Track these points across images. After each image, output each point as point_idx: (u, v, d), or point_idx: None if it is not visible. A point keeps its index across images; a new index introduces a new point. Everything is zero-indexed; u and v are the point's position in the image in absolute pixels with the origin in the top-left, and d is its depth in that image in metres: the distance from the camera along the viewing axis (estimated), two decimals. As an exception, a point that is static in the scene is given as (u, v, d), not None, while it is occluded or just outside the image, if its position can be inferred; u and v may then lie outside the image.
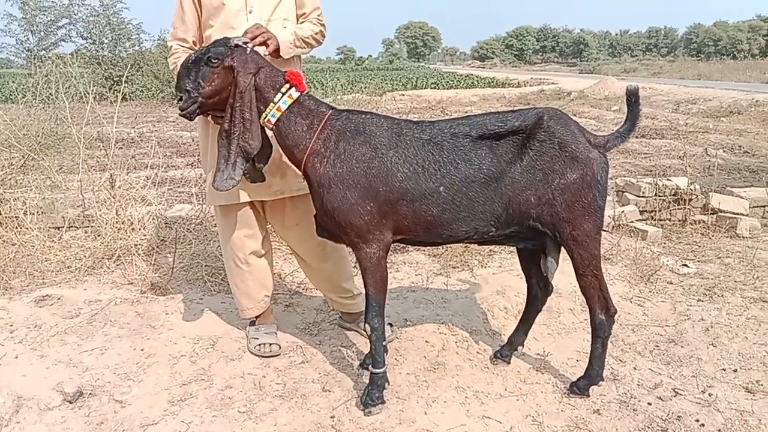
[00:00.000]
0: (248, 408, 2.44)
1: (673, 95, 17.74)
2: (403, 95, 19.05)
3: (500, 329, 3.07)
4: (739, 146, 10.01)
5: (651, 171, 6.79)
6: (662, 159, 8.76)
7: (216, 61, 2.23)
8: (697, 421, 2.40)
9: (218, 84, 2.25)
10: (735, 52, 39.30)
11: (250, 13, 2.57)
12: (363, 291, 2.57)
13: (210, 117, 2.49)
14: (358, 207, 2.22)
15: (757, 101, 14.50)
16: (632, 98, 2.30)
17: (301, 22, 2.71)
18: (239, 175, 2.27)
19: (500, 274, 3.65)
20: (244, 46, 2.29)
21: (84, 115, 4.51)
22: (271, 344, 2.80)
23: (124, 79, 10.56)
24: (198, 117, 2.42)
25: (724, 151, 9.61)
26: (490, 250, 4.01)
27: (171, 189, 5.63)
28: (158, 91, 16.20)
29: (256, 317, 2.91)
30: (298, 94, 2.33)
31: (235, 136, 2.25)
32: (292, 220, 2.77)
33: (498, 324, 3.13)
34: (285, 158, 2.50)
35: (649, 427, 2.38)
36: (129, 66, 15.87)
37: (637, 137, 11.24)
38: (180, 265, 3.64)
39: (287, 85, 2.31)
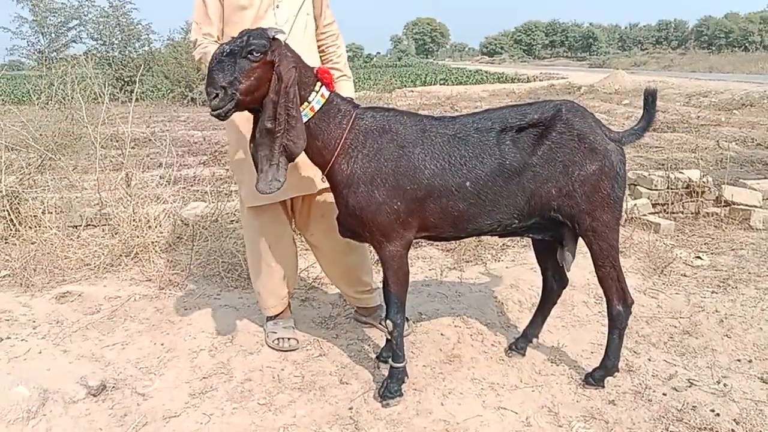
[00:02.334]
0: (267, 400, 2.48)
1: (684, 88, 17.61)
2: (413, 91, 19.07)
3: (515, 322, 3.10)
4: (752, 139, 9.95)
5: (663, 164, 6.78)
6: (674, 152, 8.72)
7: (258, 54, 2.06)
8: (713, 411, 2.41)
9: (258, 79, 2.08)
10: (746, 44, 38.91)
11: (277, 8, 2.58)
12: (380, 286, 2.61)
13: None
14: (385, 206, 2.22)
15: (769, 93, 14.38)
16: (650, 98, 2.33)
17: (321, 41, 2.75)
18: (283, 176, 2.16)
19: (513, 268, 3.68)
20: (282, 37, 2.15)
21: (99, 116, 4.57)
22: (289, 339, 2.84)
23: (137, 79, 10.61)
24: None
25: (736, 144, 9.56)
26: (504, 244, 4.04)
27: (185, 187, 5.69)
28: (168, 91, 16.29)
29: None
30: (329, 92, 2.28)
31: (279, 134, 2.12)
32: (318, 212, 2.80)
33: (512, 317, 3.15)
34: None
35: (664, 417, 2.40)
36: (140, 67, 15.95)
37: (648, 131, 11.20)
38: (197, 262, 3.69)
39: (319, 83, 2.26)
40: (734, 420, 2.35)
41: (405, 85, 21.68)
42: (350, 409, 2.44)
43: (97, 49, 19.70)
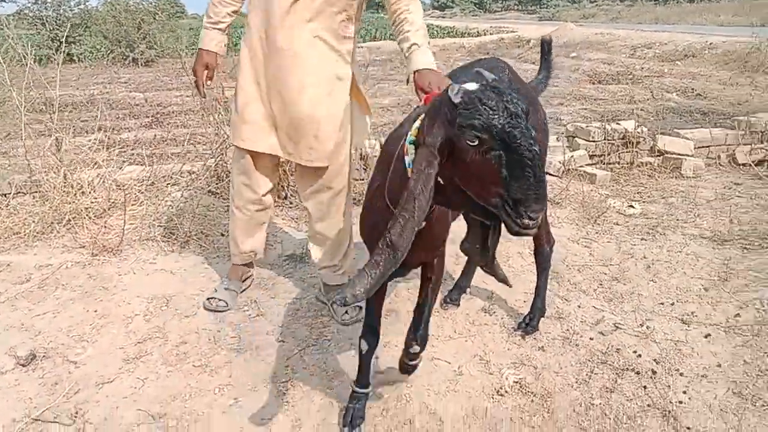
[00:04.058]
0: (203, 362, 2.48)
1: (630, 40, 17.77)
2: (361, 47, 18.77)
3: (451, 274, 3.15)
4: (692, 89, 10.18)
5: (604, 116, 6.91)
6: (617, 104, 8.88)
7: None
8: (635, 352, 2.53)
9: None
10: (691, -6, 39.45)
11: None
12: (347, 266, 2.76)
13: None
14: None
15: (711, 44, 14.62)
16: (545, 47, 2.35)
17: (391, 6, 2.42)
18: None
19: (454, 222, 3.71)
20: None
21: (24, 78, 4.36)
22: (219, 300, 2.82)
23: (69, 39, 10.14)
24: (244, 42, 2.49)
25: (677, 95, 9.78)
26: (444, 200, 4.07)
27: (124, 151, 5.52)
28: (108, 52, 15.64)
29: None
30: None
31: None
32: (308, 182, 2.70)
33: (449, 270, 3.20)
34: (302, 126, 2.47)
35: (589, 361, 2.50)
36: (73, 26, 15.22)
37: (593, 83, 11.35)
38: (132, 227, 3.61)
39: None
40: (654, 360, 2.47)
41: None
42: (287, 366, 2.46)
43: (29, 8, 18.69)
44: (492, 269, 1.70)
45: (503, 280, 1.75)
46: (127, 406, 2.24)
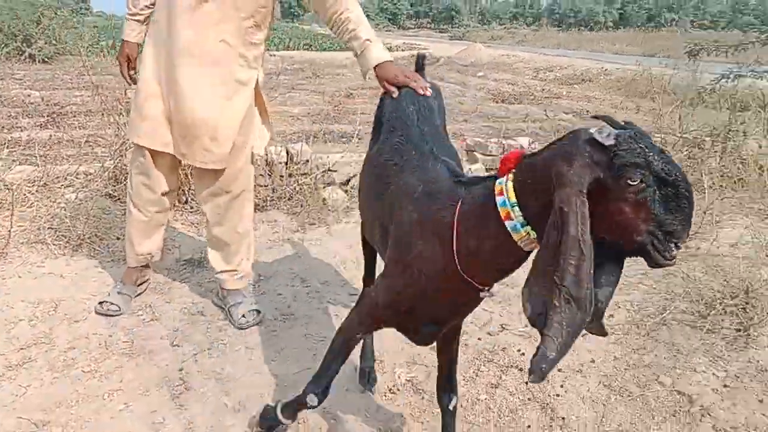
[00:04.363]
0: (93, 367, 2.42)
1: (533, 63, 18.70)
2: (274, 55, 18.66)
3: (351, 279, 3.22)
4: (586, 111, 10.86)
5: (505, 133, 7.25)
6: (518, 123, 9.31)
7: None
8: (519, 351, 2.69)
9: None
10: (592, 24, 41.88)
11: None
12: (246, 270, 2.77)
13: None
14: None
15: (606, 70, 15.64)
16: (420, 62, 2.34)
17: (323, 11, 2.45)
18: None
19: (355, 229, 3.79)
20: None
21: None
22: (111, 303, 2.76)
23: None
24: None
25: (572, 115, 10.41)
26: (347, 206, 4.15)
27: (14, 151, 5.25)
28: (2, 46, 14.73)
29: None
30: None
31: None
32: (204, 185, 2.70)
33: (349, 275, 3.28)
34: (195, 128, 2.46)
35: (477, 359, 2.64)
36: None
37: (497, 102, 11.88)
38: (20, 229, 3.45)
39: None
40: (533, 351, 2.64)
41: (267, 49, 21.11)
42: (180, 370, 2.44)
43: None
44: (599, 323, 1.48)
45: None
46: (7, 414, 2.15)
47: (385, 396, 2.40)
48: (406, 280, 1.67)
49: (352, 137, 5.11)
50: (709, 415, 2.36)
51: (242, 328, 2.72)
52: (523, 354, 2.66)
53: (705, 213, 3.75)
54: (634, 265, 3.22)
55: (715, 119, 5.46)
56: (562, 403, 2.41)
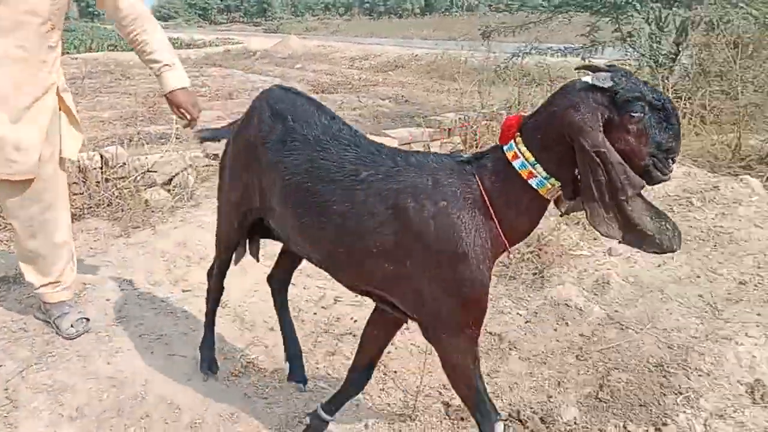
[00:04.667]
0: None
1: (349, 52, 19.23)
2: (76, 59, 17.31)
3: (182, 276, 3.23)
4: (402, 96, 11.46)
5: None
6: (340, 111, 9.61)
7: None
8: (352, 319, 2.92)
9: None
10: (401, 11, 43.70)
11: None
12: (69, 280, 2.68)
13: None
14: None
15: (416, 55, 16.52)
16: None
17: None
18: None
19: (182, 227, 3.78)
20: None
21: None
22: None
23: None
24: None
25: (389, 101, 10.95)
26: (173, 206, 4.10)
27: None
28: None
29: None
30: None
31: None
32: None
33: (180, 273, 3.28)
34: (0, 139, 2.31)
35: (314, 332, 2.82)
36: None
37: (317, 93, 12.09)
38: None
39: None
40: (364, 317, 2.87)
41: (67, 51, 19.50)
42: (6, 389, 2.33)
43: None
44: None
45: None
46: None
47: (228, 380, 2.49)
48: (474, 273, 1.64)
49: (170, 137, 5.01)
50: (515, 348, 2.75)
51: (71, 338, 2.63)
52: (356, 321, 2.88)
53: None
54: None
55: (510, 94, 6.12)
56: (393, 358, 2.67)
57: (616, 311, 2.93)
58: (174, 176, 4.33)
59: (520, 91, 5.58)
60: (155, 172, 4.29)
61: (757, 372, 2.45)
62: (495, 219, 1.62)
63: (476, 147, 4.96)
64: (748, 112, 4.67)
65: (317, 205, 1.77)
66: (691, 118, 4.96)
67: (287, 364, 2.43)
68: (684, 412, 2.35)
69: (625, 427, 2.27)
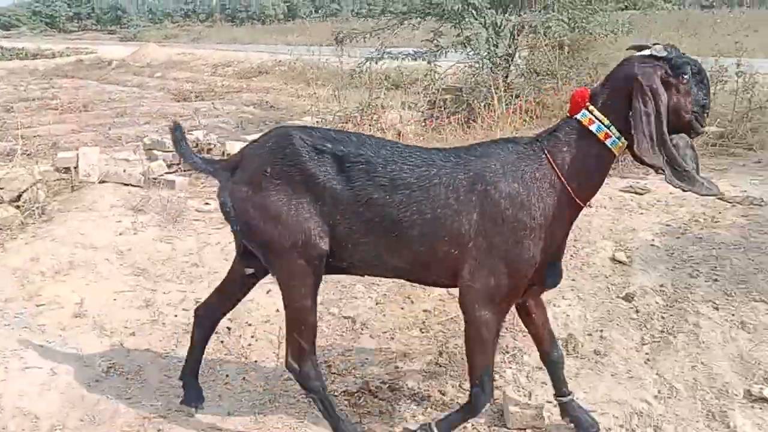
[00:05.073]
0: None
1: (211, 59, 18.87)
2: None
3: (36, 291, 3.20)
4: (266, 101, 11.53)
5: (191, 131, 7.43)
6: (204, 119, 9.48)
7: None
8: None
9: None
10: (264, 17, 43.25)
11: None
12: None
13: None
14: None
15: (280, 61, 16.56)
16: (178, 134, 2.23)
17: None
18: None
19: (34, 243, 3.70)
20: None
21: None
22: None
23: None
24: None
25: (254, 107, 10.97)
26: (22, 221, 3.98)
27: None
28: None
29: None
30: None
31: None
32: None
33: (34, 288, 3.24)
34: None
35: (176, 333, 2.94)
36: None
37: (179, 101, 11.86)
38: None
39: None
40: (229, 319, 3.01)
41: None
42: None
43: None
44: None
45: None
46: None
47: (90, 386, 2.55)
48: (538, 240, 1.95)
49: (16, 152, 4.83)
50: (367, 327, 3.02)
51: None
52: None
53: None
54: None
55: (363, 97, 6.44)
56: (253, 350, 2.85)
57: (454, 287, 3.28)
58: (23, 192, 4.20)
59: (370, 94, 5.90)
60: (2, 188, 4.14)
61: (570, 328, 2.89)
62: (568, 187, 1.93)
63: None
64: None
65: (399, 212, 1.96)
66: (522, 113, 5.51)
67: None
68: (510, 367, 2.74)
69: (461, 386, 2.60)
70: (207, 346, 2.51)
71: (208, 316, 2.42)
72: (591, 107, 1.94)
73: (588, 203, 2.08)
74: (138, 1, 46.06)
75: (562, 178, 1.93)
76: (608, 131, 1.92)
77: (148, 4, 46.21)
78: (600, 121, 1.92)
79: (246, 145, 2.23)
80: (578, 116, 1.96)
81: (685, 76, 1.90)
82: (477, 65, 6.42)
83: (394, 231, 1.98)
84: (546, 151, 1.95)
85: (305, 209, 2.01)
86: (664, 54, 1.91)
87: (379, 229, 1.99)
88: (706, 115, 1.98)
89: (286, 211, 2.01)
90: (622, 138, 1.93)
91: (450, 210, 1.94)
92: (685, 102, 1.92)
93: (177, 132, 2.20)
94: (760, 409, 2.38)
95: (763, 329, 2.77)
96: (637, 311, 2.97)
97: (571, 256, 3.50)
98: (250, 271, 2.27)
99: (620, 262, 3.37)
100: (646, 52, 1.95)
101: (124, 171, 4.77)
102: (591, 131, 1.93)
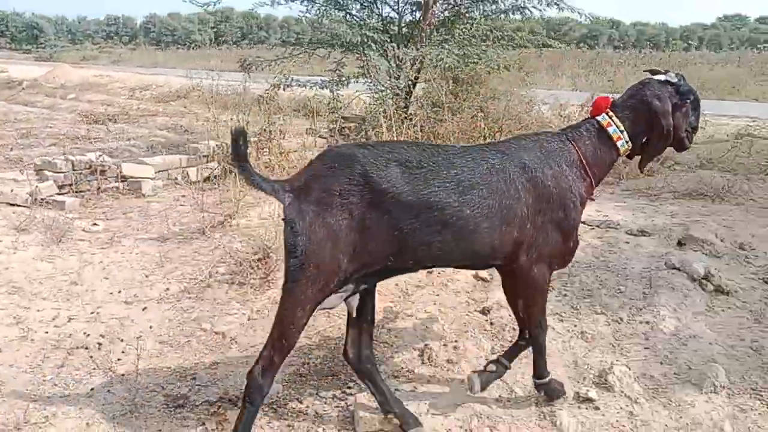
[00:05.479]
0: None
1: (129, 82, 18.55)
2: None
3: None
4: (181, 125, 11.47)
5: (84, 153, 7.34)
6: (113, 142, 9.33)
7: None
8: (85, 333, 3.09)
9: None
10: (189, 42, 42.83)
11: None
12: None
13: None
14: None
15: (199, 86, 16.51)
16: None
17: None
18: None
19: None
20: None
21: None
22: None
23: None
24: None
25: (168, 131, 10.89)
26: None
27: None
28: None
29: None
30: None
31: None
32: None
33: None
34: None
35: (44, 349, 2.97)
36: None
37: (90, 123, 11.60)
38: None
39: None
40: (101, 335, 3.08)
41: None
42: None
43: None
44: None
45: None
46: None
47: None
48: (578, 209, 2.37)
49: None
50: (236, 342, 3.13)
51: None
52: (89, 335, 3.08)
53: (239, 200, 4.60)
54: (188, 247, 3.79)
55: (267, 122, 6.58)
56: (122, 363, 2.91)
57: (326, 303, 3.45)
58: None
59: (268, 119, 6.08)
60: None
61: (427, 338, 3.10)
62: (589, 174, 2.37)
63: (229, 172, 5.25)
64: (457, 134, 5.62)
65: (471, 210, 2.18)
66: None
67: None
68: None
69: (317, 394, 2.75)
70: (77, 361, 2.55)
71: (356, 354, 2.48)
72: (611, 113, 2.43)
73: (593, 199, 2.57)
74: (57, 21, 44.69)
75: (586, 165, 2.37)
76: (620, 135, 2.41)
77: (68, 24, 44.92)
78: (616, 125, 2.41)
79: (307, 165, 2.23)
80: (599, 118, 2.43)
81: (688, 101, 2.45)
82: (378, 95, 6.70)
83: (467, 227, 2.18)
84: (572, 142, 2.39)
85: (365, 230, 2.08)
86: (676, 81, 2.43)
87: (453, 227, 2.16)
88: (694, 133, 2.57)
89: (345, 234, 2.06)
90: (629, 142, 2.43)
91: (511, 199, 2.23)
92: (684, 122, 2.48)
93: (239, 141, 1.99)
94: (586, 408, 2.64)
95: (600, 338, 3.09)
96: (491, 323, 3.23)
97: (438, 274, 3.75)
98: (363, 287, 2.33)
99: (483, 279, 3.64)
100: (662, 77, 2.46)
101: (12, 191, 4.72)
102: (608, 132, 2.40)
